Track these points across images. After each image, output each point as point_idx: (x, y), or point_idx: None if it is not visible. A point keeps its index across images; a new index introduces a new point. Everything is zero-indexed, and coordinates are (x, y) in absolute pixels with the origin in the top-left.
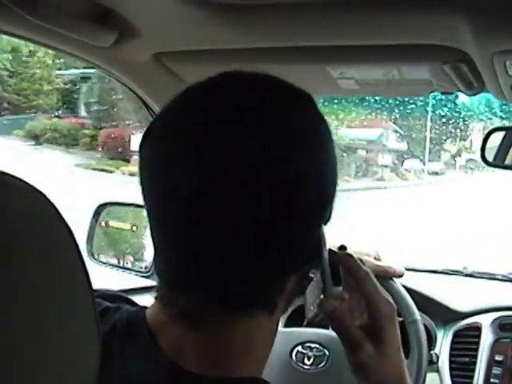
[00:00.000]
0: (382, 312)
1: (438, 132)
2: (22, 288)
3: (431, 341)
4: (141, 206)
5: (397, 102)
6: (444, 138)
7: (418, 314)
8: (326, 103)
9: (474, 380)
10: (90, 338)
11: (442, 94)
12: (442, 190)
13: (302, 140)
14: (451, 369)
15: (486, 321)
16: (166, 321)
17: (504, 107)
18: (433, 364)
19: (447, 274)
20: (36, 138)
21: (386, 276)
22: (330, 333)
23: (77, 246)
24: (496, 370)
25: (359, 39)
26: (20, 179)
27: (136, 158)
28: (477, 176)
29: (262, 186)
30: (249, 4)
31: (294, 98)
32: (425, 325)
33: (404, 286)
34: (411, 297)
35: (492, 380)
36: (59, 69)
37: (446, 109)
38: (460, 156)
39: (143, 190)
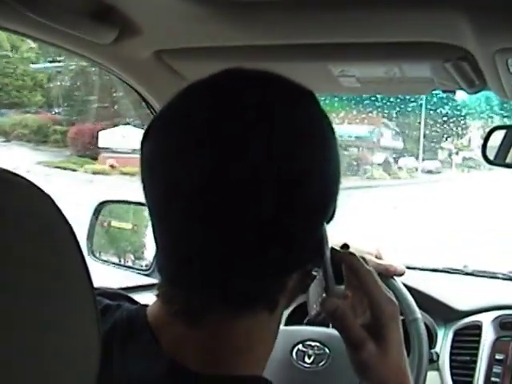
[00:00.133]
0: (384, 310)
1: (434, 130)
2: (22, 287)
3: (432, 339)
4: (141, 204)
5: (390, 100)
6: (441, 135)
7: (418, 313)
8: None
9: (475, 379)
10: (90, 336)
11: (444, 92)
12: (436, 189)
13: (304, 137)
14: (452, 367)
15: (486, 319)
16: (166, 319)
17: (505, 105)
18: (433, 362)
19: (448, 272)
20: (5, 135)
21: (387, 274)
22: (331, 331)
23: (78, 243)
24: (496, 369)
25: (360, 37)
26: (21, 177)
27: (104, 155)
28: (474, 175)
29: (265, 184)
30: (250, 1)
31: (297, 95)
32: (425, 323)
33: (405, 285)
34: (412, 295)
35: (492, 379)
36: (33, 62)
37: (442, 106)
38: (457, 154)
39: (144, 188)
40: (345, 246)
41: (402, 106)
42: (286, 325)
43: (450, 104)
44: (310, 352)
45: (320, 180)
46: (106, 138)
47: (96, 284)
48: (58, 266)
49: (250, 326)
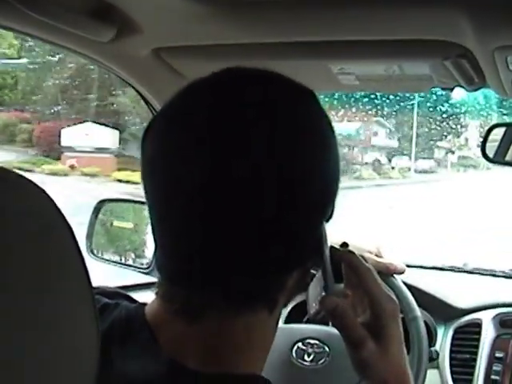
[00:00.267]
0: (384, 309)
1: (431, 128)
2: (22, 286)
3: (431, 337)
4: (140, 203)
5: (384, 97)
6: (437, 134)
7: (418, 311)
8: None
9: (475, 376)
10: (89, 335)
11: (443, 89)
12: (430, 189)
13: (305, 136)
14: (451, 365)
15: (486, 317)
16: (166, 317)
17: (504, 103)
18: (433, 361)
19: (448, 270)
20: None
21: (387, 273)
22: (331, 329)
23: (77, 243)
24: (496, 367)
25: (360, 34)
26: (21, 176)
27: (67, 154)
28: (470, 174)
29: (267, 182)
30: (249, 0)
31: (298, 94)
32: (425, 321)
33: (404, 283)
34: (411, 293)
35: (492, 377)
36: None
37: (438, 105)
38: (453, 153)
39: (145, 187)
40: (344, 245)
41: (399, 104)
42: (285, 323)
43: (446, 102)
44: (310, 350)
45: (320, 178)
46: (69, 137)
47: (95, 283)
48: (57, 265)
49: (250, 325)
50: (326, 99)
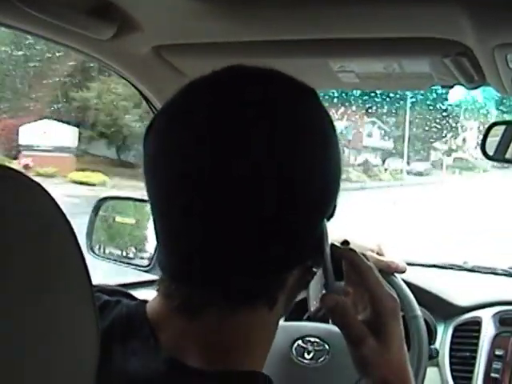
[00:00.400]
0: (385, 307)
1: (425, 130)
2: (21, 286)
3: (431, 335)
4: (140, 200)
5: (377, 97)
6: (433, 136)
7: (418, 310)
8: None
9: (474, 374)
10: (89, 334)
11: (443, 87)
12: (423, 191)
13: (306, 135)
14: (451, 363)
15: (486, 315)
16: (166, 314)
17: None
18: (433, 358)
19: (448, 268)
20: None
21: (388, 271)
22: (331, 327)
23: (77, 242)
24: (496, 365)
25: (359, 32)
26: (23, 174)
27: (24, 153)
28: (466, 177)
29: (267, 181)
30: None
31: (299, 92)
32: (425, 319)
33: (405, 281)
34: (412, 291)
35: (492, 374)
36: None
37: (435, 106)
38: (450, 155)
39: (147, 185)
40: (345, 243)
41: (394, 105)
42: (285, 320)
43: (443, 103)
44: (310, 348)
45: (321, 177)
46: (27, 134)
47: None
48: (57, 264)
49: (250, 322)
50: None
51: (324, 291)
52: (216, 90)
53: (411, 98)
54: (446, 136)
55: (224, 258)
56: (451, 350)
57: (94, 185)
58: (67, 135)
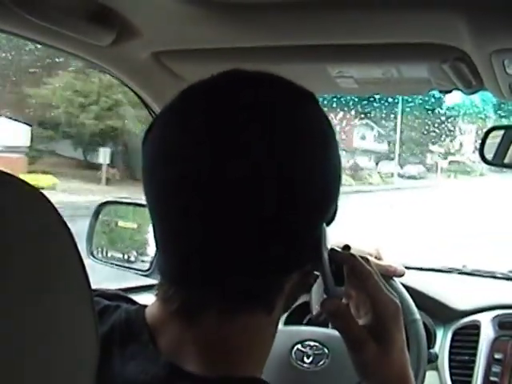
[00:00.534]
0: (386, 311)
1: (423, 133)
2: (21, 286)
3: (431, 339)
4: (140, 205)
5: (371, 99)
6: (429, 138)
7: (417, 314)
8: None
9: (474, 378)
10: (88, 338)
11: (440, 92)
12: (415, 196)
13: (305, 136)
14: (451, 367)
15: (485, 319)
16: (165, 318)
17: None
18: (432, 362)
19: (446, 272)
20: None
21: (386, 275)
22: (330, 331)
23: (76, 245)
24: (495, 368)
25: (358, 38)
26: (19, 179)
27: None
28: (461, 180)
29: (266, 181)
30: (247, 3)
31: (296, 95)
32: (424, 323)
33: (403, 285)
34: (411, 295)
35: (491, 378)
36: None
37: (431, 108)
38: (446, 158)
39: (145, 188)
40: (346, 247)
41: (390, 107)
42: (285, 325)
43: (440, 106)
44: (309, 352)
45: (321, 178)
46: None
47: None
48: (56, 265)
49: (249, 327)
50: None
51: (325, 296)
52: (212, 95)
53: (409, 101)
54: (443, 139)
55: (223, 259)
56: (450, 353)
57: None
58: (18, 134)
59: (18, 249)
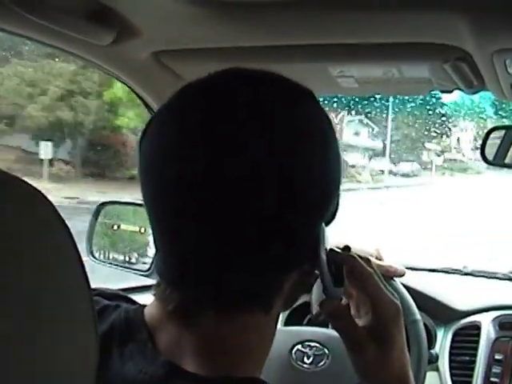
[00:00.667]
0: (386, 312)
1: (418, 129)
2: (19, 287)
3: (431, 340)
4: (140, 205)
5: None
6: (425, 136)
7: (418, 314)
8: None
9: (474, 379)
10: (88, 337)
11: (442, 92)
12: (407, 193)
13: (305, 134)
14: (451, 368)
15: (485, 320)
16: (163, 318)
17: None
18: (433, 363)
19: (447, 272)
20: None
21: (387, 276)
22: (330, 332)
23: (75, 245)
24: (496, 369)
25: (359, 37)
26: (19, 178)
27: None
28: (457, 178)
29: (266, 180)
30: (248, 3)
31: (295, 94)
32: (425, 324)
33: (404, 285)
34: (411, 296)
35: (492, 379)
36: None
37: (427, 104)
38: (440, 156)
39: (143, 188)
40: (346, 248)
41: (381, 103)
42: (285, 325)
43: (437, 103)
44: (310, 352)
45: (320, 177)
46: None
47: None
48: (55, 265)
49: (246, 327)
50: None
51: (324, 296)
52: (209, 93)
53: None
54: (440, 136)
55: (219, 258)
56: (451, 354)
57: None
58: None
59: (16, 249)
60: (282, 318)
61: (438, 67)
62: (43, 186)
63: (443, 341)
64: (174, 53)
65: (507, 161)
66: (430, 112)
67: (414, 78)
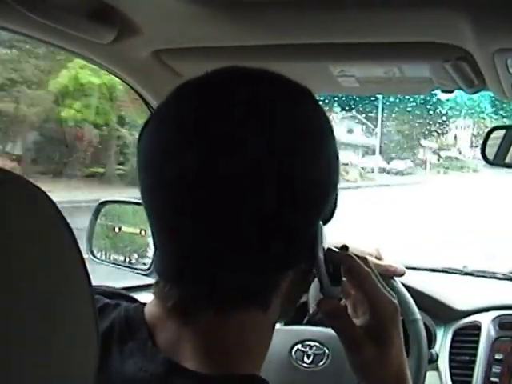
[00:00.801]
0: (384, 312)
1: (414, 126)
2: (22, 286)
3: (431, 339)
4: (141, 204)
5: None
6: (421, 132)
7: (418, 313)
8: None
9: (474, 378)
10: (88, 335)
11: (443, 91)
12: (399, 192)
13: (304, 133)
14: (451, 367)
15: (485, 319)
16: (162, 316)
17: (504, 106)
18: (432, 363)
19: (447, 272)
20: None
21: (386, 275)
22: (330, 331)
23: (76, 243)
24: (496, 369)
25: (360, 37)
26: (21, 177)
27: None
28: (452, 176)
29: (265, 178)
30: (248, 1)
31: (294, 92)
32: (425, 323)
33: (404, 285)
34: (411, 295)
35: (492, 379)
36: None
37: (423, 100)
38: (439, 153)
39: (141, 186)
40: (344, 248)
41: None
42: (285, 324)
43: (433, 98)
44: (309, 352)
45: (320, 175)
46: None
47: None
48: (57, 265)
49: (244, 325)
50: None
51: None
52: (205, 91)
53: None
54: (437, 134)
55: (215, 256)
56: (451, 354)
57: None
58: None
59: (18, 247)
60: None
61: (438, 67)
62: None
63: (443, 340)
64: (175, 51)
65: (507, 161)
66: (427, 109)
67: (415, 77)
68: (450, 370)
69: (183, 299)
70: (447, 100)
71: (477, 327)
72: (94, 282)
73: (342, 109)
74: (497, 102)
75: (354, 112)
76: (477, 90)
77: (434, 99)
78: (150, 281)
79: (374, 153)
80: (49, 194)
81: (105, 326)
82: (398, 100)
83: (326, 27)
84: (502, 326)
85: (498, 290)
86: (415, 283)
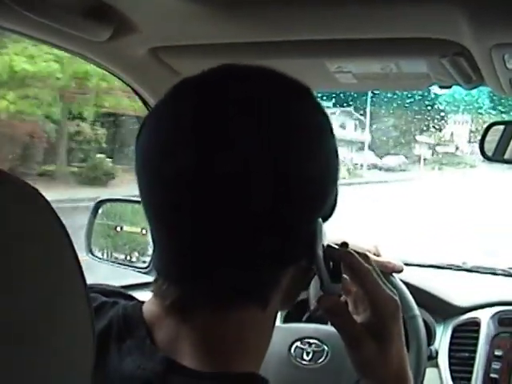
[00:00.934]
0: (384, 309)
1: (409, 121)
2: (18, 287)
3: (430, 336)
4: (139, 202)
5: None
6: (417, 128)
7: (417, 310)
8: None
9: (474, 375)
10: (85, 334)
11: (440, 87)
12: (387, 190)
13: (300, 130)
14: (450, 364)
15: (485, 316)
16: (160, 314)
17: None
18: (432, 359)
19: (446, 268)
20: None
21: (385, 271)
22: (330, 328)
23: (71, 242)
24: (495, 365)
25: (357, 33)
26: (17, 178)
27: None
28: (447, 172)
29: (260, 176)
30: None
31: (289, 89)
32: (424, 320)
33: (403, 281)
34: (410, 292)
35: (491, 375)
36: None
37: (419, 95)
38: (434, 149)
39: (140, 185)
40: (344, 245)
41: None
42: (284, 322)
43: (429, 93)
44: (309, 349)
45: (317, 172)
46: None
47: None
48: (52, 266)
49: (243, 322)
50: None
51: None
52: (201, 90)
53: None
54: (435, 129)
55: (213, 254)
56: (450, 350)
57: None
58: None
59: (17, 248)
60: (280, 314)
61: (436, 62)
62: None
63: (442, 337)
64: (172, 49)
65: (506, 156)
66: (422, 103)
67: (413, 73)
68: (450, 367)
69: (181, 297)
70: (443, 95)
71: (476, 323)
72: (94, 281)
73: (334, 104)
74: (495, 98)
75: (347, 107)
76: (474, 86)
77: (430, 94)
78: (150, 279)
79: (364, 149)
80: None
81: (103, 324)
82: (389, 95)
83: (322, 24)
84: (501, 322)
85: (497, 286)
86: (414, 279)
